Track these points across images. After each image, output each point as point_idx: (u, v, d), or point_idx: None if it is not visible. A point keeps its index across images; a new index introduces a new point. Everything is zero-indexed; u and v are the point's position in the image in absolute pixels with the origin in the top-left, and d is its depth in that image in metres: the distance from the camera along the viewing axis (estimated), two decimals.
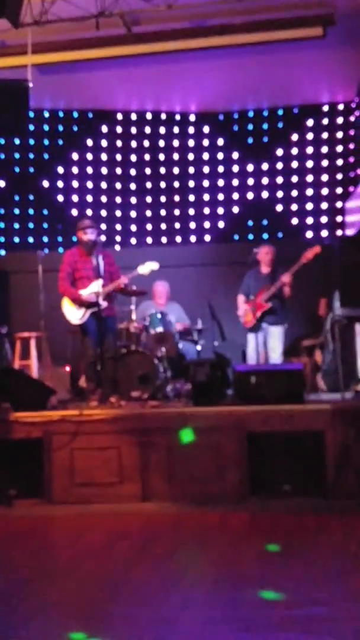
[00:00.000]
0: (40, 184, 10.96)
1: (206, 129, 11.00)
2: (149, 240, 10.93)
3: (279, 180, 10.82)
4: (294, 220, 10.75)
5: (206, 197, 10.96)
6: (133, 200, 10.99)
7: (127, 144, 11.03)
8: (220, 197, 10.92)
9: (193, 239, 10.92)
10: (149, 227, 10.97)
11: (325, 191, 10.69)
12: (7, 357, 8.25)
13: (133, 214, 10.98)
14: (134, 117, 11.00)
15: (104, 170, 11.02)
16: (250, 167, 10.90)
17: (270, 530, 5.06)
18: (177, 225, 10.96)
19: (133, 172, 11.02)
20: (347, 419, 5.65)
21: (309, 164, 10.75)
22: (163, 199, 10.99)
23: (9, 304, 10.02)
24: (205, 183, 10.98)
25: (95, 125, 11.00)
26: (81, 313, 7.03)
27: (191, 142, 11.01)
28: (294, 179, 10.77)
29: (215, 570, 4.24)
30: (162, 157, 11.01)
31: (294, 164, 10.78)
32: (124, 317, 7.91)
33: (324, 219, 10.66)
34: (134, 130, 11.00)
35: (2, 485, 5.96)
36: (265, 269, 7.94)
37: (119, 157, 11.03)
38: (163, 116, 10.98)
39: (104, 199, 11.00)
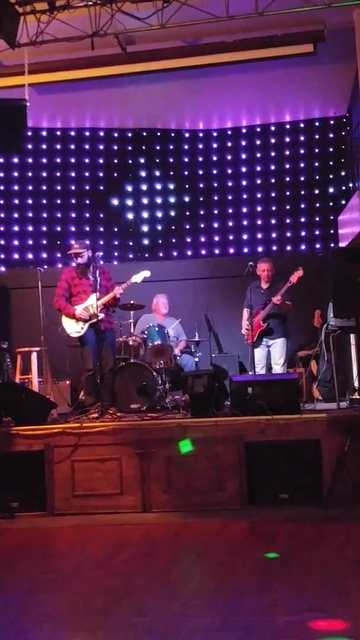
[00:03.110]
0: (40, 201, 11.08)
1: (200, 146, 11.14)
2: (147, 254, 11.03)
3: (273, 194, 10.95)
4: (288, 234, 10.88)
5: (201, 211, 11.08)
6: (130, 215, 11.10)
7: (124, 161, 11.15)
8: (215, 211, 11.05)
9: (189, 253, 11.03)
10: (146, 242, 11.07)
11: (318, 204, 10.82)
12: (8, 371, 8.32)
13: (130, 229, 11.09)
14: (130, 134, 11.13)
15: (102, 187, 11.14)
16: (244, 182, 11.04)
17: (268, 538, 5.08)
18: (173, 240, 11.07)
19: (130, 188, 11.15)
20: (343, 427, 5.71)
21: (302, 178, 10.90)
22: (159, 214, 11.11)
23: (10, 320, 10.10)
24: (201, 198, 11.10)
25: (91, 143, 11.14)
26: (80, 326, 7.12)
27: (186, 159, 11.14)
28: (288, 193, 10.91)
29: (215, 578, 4.27)
30: (158, 173, 11.14)
31: (288, 179, 10.92)
32: (123, 331, 8.00)
33: (317, 232, 10.80)
34: (130, 147, 11.14)
35: (4, 498, 6.02)
36: (265, 284, 8.02)
37: (116, 174, 11.15)
38: (158, 134, 11.13)
39: (101, 215, 11.12)
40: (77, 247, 7.30)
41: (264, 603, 3.78)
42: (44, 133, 11.05)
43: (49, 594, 4.18)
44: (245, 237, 10.98)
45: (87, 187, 11.14)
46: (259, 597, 3.89)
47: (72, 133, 11.13)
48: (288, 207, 10.92)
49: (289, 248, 10.85)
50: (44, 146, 11.09)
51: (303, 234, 10.85)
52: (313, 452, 5.76)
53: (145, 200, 11.13)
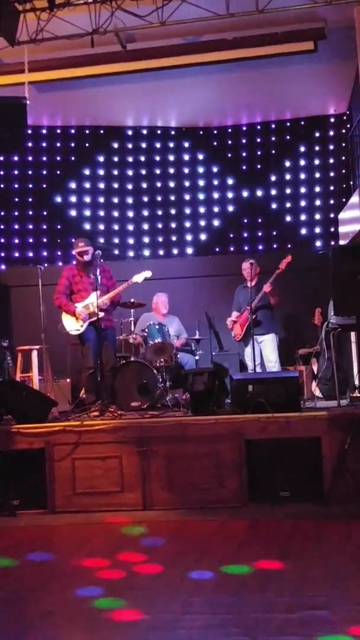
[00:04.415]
0: (38, 199, 11.08)
1: (201, 143, 11.14)
2: (147, 252, 11.04)
3: (273, 192, 10.95)
4: (289, 232, 10.88)
5: (202, 209, 11.09)
6: (130, 213, 11.11)
7: (123, 159, 11.17)
8: (216, 209, 11.05)
9: (190, 251, 11.03)
10: (146, 239, 11.08)
11: (318, 202, 10.83)
12: (9, 369, 8.33)
13: (130, 227, 11.10)
14: (130, 132, 11.14)
15: (102, 185, 11.15)
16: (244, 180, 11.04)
17: (269, 536, 5.10)
18: (174, 238, 11.08)
19: (130, 186, 11.15)
20: (343, 425, 5.71)
21: (302, 176, 10.90)
22: (159, 212, 11.12)
23: (10, 318, 10.11)
24: (201, 196, 11.11)
25: (92, 141, 11.14)
26: (80, 323, 7.11)
27: (186, 157, 11.15)
28: (288, 191, 10.92)
29: (216, 575, 4.28)
30: (158, 171, 11.15)
31: (288, 176, 10.93)
32: (124, 329, 8.01)
33: (317, 230, 10.81)
34: (130, 145, 11.14)
35: (5, 496, 6.02)
36: (250, 283, 8.03)
37: (115, 172, 11.16)
38: (159, 131, 11.13)
39: (101, 213, 11.12)
40: (82, 245, 7.30)
41: (264, 600, 3.78)
42: (44, 131, 11.06)
43: (50, 591, 4.19)
44: (245, 234, 10.99)
45: (88, 185, 11.13)
46: (260, 594, 3.89)
47: (73, 131, 11.13)
48: (289, 205, 10.92)
49: (289, 246, 10.85)
50: (44, 144, 11.10)
51: (304, 232, 10.86)
52: (314, 450, 5.76)
53: (145, 199, 11.13)
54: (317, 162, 10.90)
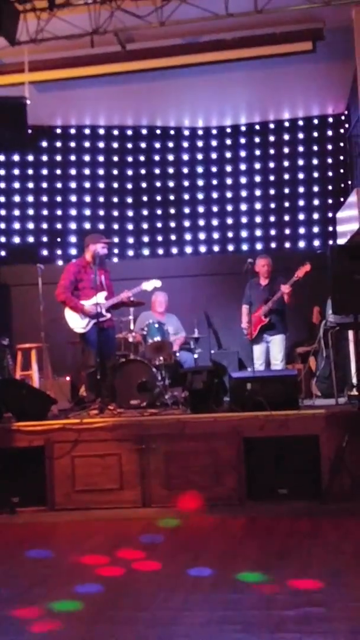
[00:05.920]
0: (40, 198, 11.10)
1: (200, 143, 11.17)
2: (146, 252, 11.06)
3: (272, 191, 10.98)
4: (287, 231, 10.91)
5: (201, 209, 11.11)
6: (130, 213, 11.13)
7: (123, 159, 11.18)
8: (215, 209, 11.08)
9: (189, 250, 11.06)
10: (145, 239, 11.11)
11: (317, 202, 10.86)
12: (9, 367, 8.36)
13: (130, 226, 11.13)
14: (129, 132, 11.16)
15: (101, 185, 11.17)
16: (243, 180, 11.07)
17: (267, 533, 5.13)
18: (173, 237, 11.10)
19: (129, 186, 11.17)
20: (341, 423, 5.75)
21: (301, 175, 10.93)
22: (159, 211, 11.14)
23: (10, 316, 10.14)
24: (200, 196, 11.14)
25: (91, 141, 11.16)
26: (85, 322, 7.10)
27: (185, 156, 11.17)
28: (286, 190, 10.94)
29: (214, 572, 4.31)
30: (157, 171, 11.17)
31: (286, 176, 10.95)
32: (123, 328, 8.04)
33: (316, 229, 10.84)
34: (130, 145, 11.16)
35: (5, 493, 6.06)
36: (264, 280, 8.07)
37: (115, 171, 11.18)
38: (158, 131, 11.15)
39: (101, 212, 11.15)
40: (105, 239, 7.41)
41: (262, 597, 3.82)
42: (44, 131, 11.06)
43: (50, 588, 4.22)
44: (244, 234, 11.02)
45: (88, 185, 11.16)
46: (258, 591, 3.92)
47: (72, 131, 11.15)
48: (287, 205, 10.95)
49: (287, 245, 10.89)
50: (45, 144, 11.12)
51: (302, 231, 10.89)
52: (311, 448, 5.80)
53: (145, 198, 11.16)
54: (315, 161, 10.92)
